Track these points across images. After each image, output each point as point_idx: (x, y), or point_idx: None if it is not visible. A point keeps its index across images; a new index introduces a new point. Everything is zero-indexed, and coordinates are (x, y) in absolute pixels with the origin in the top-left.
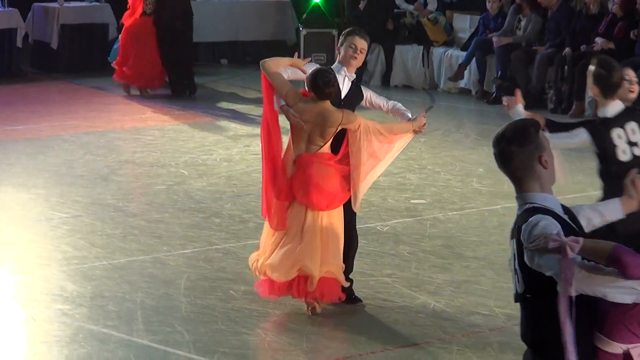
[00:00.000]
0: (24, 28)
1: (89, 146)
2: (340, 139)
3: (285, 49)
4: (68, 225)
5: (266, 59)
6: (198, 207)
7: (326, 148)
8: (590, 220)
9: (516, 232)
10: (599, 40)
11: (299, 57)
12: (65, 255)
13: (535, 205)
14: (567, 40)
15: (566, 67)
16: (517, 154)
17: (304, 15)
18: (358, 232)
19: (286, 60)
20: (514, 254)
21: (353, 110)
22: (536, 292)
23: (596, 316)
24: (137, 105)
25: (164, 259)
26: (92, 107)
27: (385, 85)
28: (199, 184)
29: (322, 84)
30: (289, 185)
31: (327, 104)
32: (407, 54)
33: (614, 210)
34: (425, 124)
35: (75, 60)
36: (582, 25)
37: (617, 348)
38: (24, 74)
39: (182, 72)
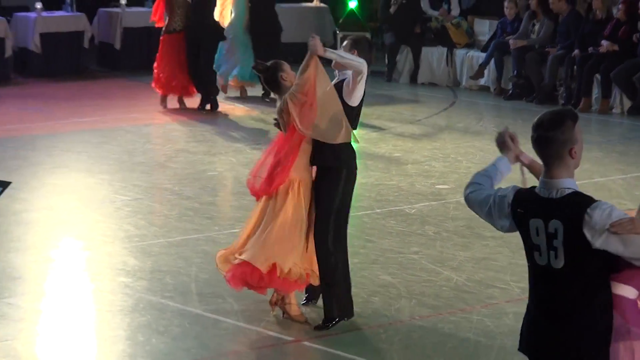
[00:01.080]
0: (90, 31)
1: (148, 136)
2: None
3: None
4: (130, 207)
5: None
6: (245, 191)
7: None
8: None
9: (567, 214)
10: (604, 42)
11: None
12: (128, 234)
13: (574, 190)
14: (576, 42)
15: (575, 66)
16: (553, 142)
17: (341, 20)
18: (389, 214)
19: None
20: (553, 233)
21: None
22: (576, 268)
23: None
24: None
25: (215, 237)
26: (150, 102)
27: (412, 82)
28: (247, 170)
29: None
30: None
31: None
32: (433, 55)
33: (506, 166)
34: (311, 41)
35: (136, 60)
36: (589, 29)
37: (631, 292)
38: (90, 72)
39: (210, 88)
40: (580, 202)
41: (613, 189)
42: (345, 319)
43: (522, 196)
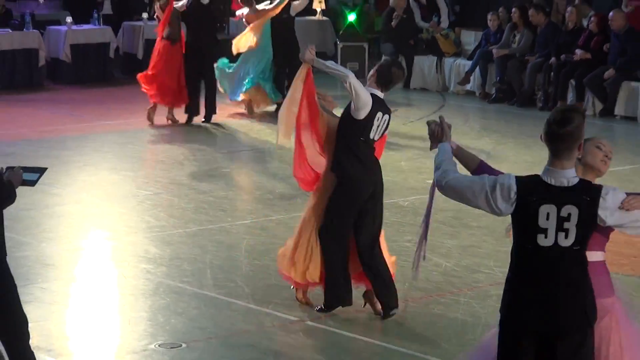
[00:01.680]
0: (115, 42)
1: (168, 137)
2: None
3: (325, 59)
4: (151, 200)
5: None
6: (256, 186)
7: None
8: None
9: (583, 200)
10: (578, 51)
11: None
12: (149, 225)
13: (579, 178)
14: (552, 51)
15: (552, 73)
16: (565, 139)
17: (341, 31)
18: (385, 206)
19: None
20: (566, 217)
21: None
22: (581, 243)
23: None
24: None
25: (228, 228)
26: None
27: (405, 88)
28: (258, 167)
29: None
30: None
31: None
32: (424, 63)
33: (449, 153)
34: (302, 51)
35: None
36: (565, 39)
37: (601, 255)
38: (115, 79)
39: (199, 99)
40: (594, 189)
41: None
42: (342, 306)
43: (527, 185)
